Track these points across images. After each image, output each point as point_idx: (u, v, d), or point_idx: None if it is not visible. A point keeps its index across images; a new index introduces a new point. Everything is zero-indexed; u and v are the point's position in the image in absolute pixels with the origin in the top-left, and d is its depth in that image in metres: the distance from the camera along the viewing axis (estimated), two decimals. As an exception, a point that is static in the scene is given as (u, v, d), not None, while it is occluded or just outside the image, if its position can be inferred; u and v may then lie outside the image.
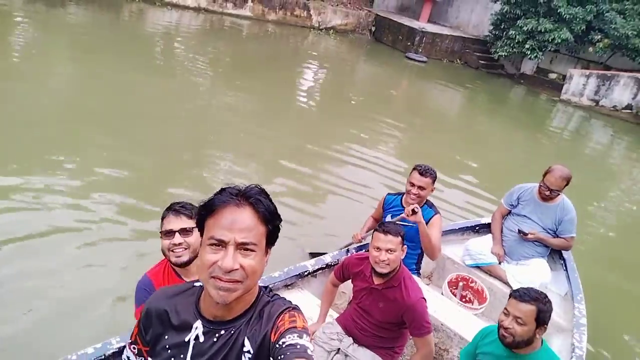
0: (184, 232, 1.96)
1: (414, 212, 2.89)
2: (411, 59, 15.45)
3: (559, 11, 13.82)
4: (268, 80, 10.38)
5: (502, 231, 3.72)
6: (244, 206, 1.08)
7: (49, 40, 9.63)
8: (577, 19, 13.82)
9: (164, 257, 2.07)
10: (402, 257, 2.45)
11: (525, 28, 14.41)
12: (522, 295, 2.12)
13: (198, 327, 1.15)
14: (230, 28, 14.69)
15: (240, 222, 1.06)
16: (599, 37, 13.79)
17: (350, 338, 2.59)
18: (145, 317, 1.21)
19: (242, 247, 1.06)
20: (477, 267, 3.60)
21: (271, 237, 1.13)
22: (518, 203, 3.67)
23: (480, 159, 8.34)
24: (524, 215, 3.60)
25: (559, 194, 3.46)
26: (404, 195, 3.21)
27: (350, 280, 2.65)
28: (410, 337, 2.50)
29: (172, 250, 1.96)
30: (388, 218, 3.24)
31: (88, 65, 8.41)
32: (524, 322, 2.07)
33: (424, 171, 3.05)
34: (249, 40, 14.21)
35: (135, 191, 4.78)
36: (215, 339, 1.13)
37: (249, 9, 15.48)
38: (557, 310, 3.20)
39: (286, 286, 2.97)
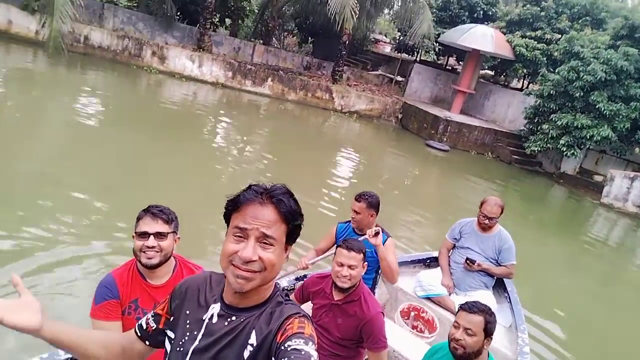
0: (159, 235, 2.00)
1: (377, 233, 3.02)
2: (432, 147, 14.65)
3: (597, 107, 12.72)
4: (292, 157, 10.40)
5: (449, 264, 3.98)
6: (267, 205, 1.16)
7: (64, 103, 9.86)
8: (620, 117, 12.60)
9: (131, 258, 2.13)
10: (363, 273, 2.59)
11: (559, 123, 13.34)
12: (470, 307, 2.29)
13: (215, 309, 1.26)
14: (249, 104, 14.85)
15: (262, 217, 1.15)
16: (647, 137, 12.39)
17: None
18: (178, 289, 1.36)
19: (262, 239, 1.14)
20: (428, 298, 3.81)
21: (291, 235, 1.21)
22: (461, 236, 3.95)
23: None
24: (467, 247, 3.88)
25: (496, 222, 3.79)
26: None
27: (309, 301, 2.77)
28: (366, 356, 2.61)
29: (144, 252, 1.99)
30: None
31: (104, 130, 8.58)
32: (473, 333, 2.23)
33: (358, 196, 3.23)
34: (269, 117, 14.25)
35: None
36: (226, 323, 1.22)
37: (268, 88, 15.71)
38: (503, 340, 3.48)
39: None
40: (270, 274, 1.17)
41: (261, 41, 19.12)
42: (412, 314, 3.67)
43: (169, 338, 1.32)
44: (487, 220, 3.73)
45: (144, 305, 2.08)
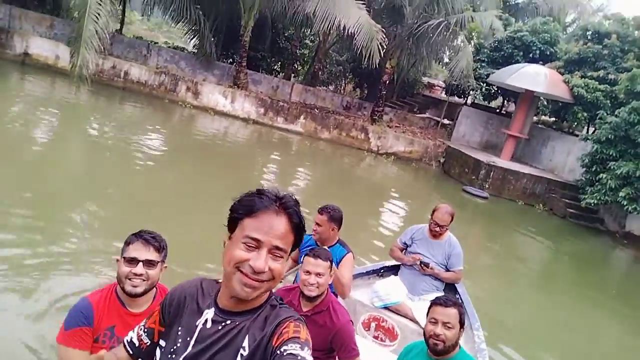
0: (148, 263, 1.94)
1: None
2: (469, 193, 13.47)
3: (665, 154, 11.05)
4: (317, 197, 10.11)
5: (401, 269, 4.21)
6: (281, 215, 1.20)
7: (98, 132, 10.44)
8: (694, 166, 10.82)
9: (110, 284, 2.06)
10: (330, 281, 2.62)
11: (619, 172, 11.71)
12: (445, 301, 2.36)
13: (209, 314, 1.26)
14: (279, 141, 14.76)
15: (277, 229, 1.18)
16: None
17: None
18: (169, 299, 1.34)
19: (274, 251, 1.17)
20: (386, 307, 3.94)
21: (295, 245, 1.25)
22: (412, 242, 4.15)
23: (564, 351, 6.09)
24: (418, 253, 4.05)
25: (447, 229, 4.02)
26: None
27: None
28: None
29: (130, 279, 1.93)
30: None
31: (133, 160, 8.87)
32: (452, 326, 2.31)
33: (321, 209, 3.33)
34: (300, 156, 14.08)
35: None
36: (220, 327, 1.22)
37: (300, 125, 15.58)
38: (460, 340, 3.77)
39: None
40: (275, 283, 1.20)
41: (300, 82, 19.32)
42: (373, 324, 3.81)
43: (160, 347, 1.30)
44: (438, 227, 3.94)
45: (120, 333, 1.98)
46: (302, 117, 15.49)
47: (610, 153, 12.33)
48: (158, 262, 1.98)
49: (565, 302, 7.95)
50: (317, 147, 15.22)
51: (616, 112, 12.35)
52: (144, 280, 1.94)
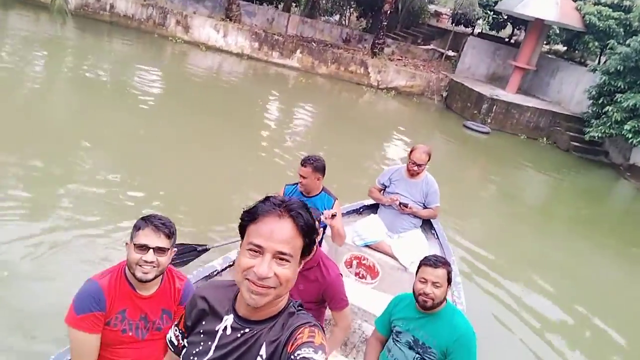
0: (159, 250, 1.95)
1: (333, 216, 3.23)
2: (470, 128, 13.17)
3: (674, 84, 10.59)
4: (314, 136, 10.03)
5: (380, 209, 4.35)
6: (284, 218, 1.18)
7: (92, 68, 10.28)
8: None
9: (117, 265, 2.07)
10: (319, 239, 2.87)
11: (625, 104, 11.31)
12: (434, 262, 2.49)
13: (228, 320, 1.28)
14: (275, 77, 14.35)
15: (279, 232, 1.16)
16: None
17: None
18: (190, 303, 1.38)
19: (278, 256, 1.16)
20: (366, 245, 4.09)
21: (307, 249, 1.23)
22: (390, 183, 4.26)
23: (553, 277, 6.20)
24: (397, 193, 4.18)
25: (424, 168, 4.11)
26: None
27: None
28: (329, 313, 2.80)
29: (140, 266, 1.94)
30: None
31: (126, 101, 8.75)
32: (440, 285, 2.45)
33: (304, 161, 3.39)
34: (297, 92, 13.72)
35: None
36: (239, 335, 1.24)
37: (297, 60, 15.05)
38: None
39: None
40: (284, 289, 1.19)
41: (301, 12, 18.44)
42: (355, 262, 3.98)
43: (184, 346, 1.36)
44: (416, 167, 4.05)
45: (131, 316, 2.04)
46: (298, 51, 14.94)
47: (619, 85, 11.87)
48: (168, 249, 1.99)
49: (564, 231, 8.02)
50: (314, 82, 14.80)
51: (627, 42, 11.72)
52: (154, 267, 1.95)
